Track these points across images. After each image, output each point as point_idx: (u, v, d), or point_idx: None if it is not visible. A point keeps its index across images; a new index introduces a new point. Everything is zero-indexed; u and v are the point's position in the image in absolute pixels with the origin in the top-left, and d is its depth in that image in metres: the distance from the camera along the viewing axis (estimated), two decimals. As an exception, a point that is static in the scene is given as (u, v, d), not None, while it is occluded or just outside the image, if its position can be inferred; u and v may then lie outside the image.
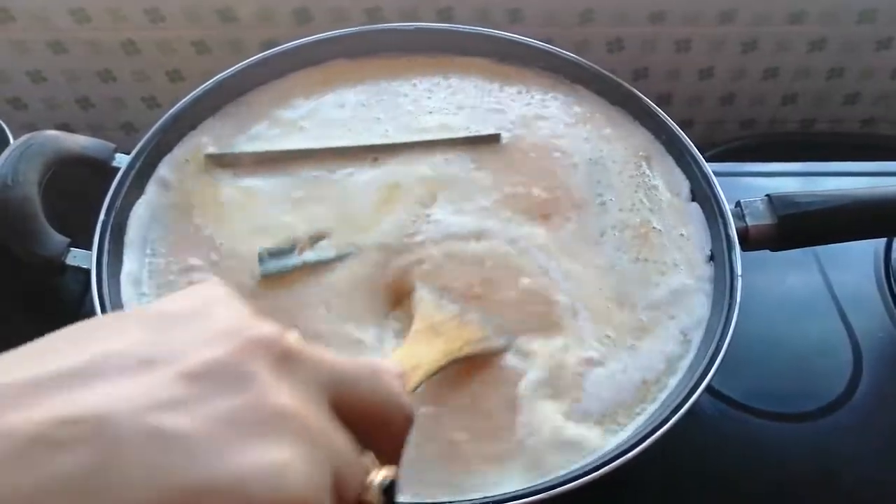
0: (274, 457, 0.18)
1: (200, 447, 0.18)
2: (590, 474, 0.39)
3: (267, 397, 0.19)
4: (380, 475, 0.22)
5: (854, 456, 0.53)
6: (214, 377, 0.19)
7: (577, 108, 0.57)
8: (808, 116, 0.83)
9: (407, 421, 0.24)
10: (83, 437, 0.17)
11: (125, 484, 0.17)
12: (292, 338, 0.21)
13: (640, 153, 0.55)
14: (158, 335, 0.20)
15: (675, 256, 0.50)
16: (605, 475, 0.40)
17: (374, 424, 0.23)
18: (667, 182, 0.54)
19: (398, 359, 0.38)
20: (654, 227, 0.51)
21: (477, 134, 0.54)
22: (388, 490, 0.22)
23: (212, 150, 0.53)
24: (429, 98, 0.57)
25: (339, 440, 0.21)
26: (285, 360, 0.21)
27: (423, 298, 0.45)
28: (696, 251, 0.51)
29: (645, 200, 0.52)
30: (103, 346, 0.19)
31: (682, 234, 0.52)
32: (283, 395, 0.20)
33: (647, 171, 0.54)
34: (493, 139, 0.54)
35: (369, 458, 0.23)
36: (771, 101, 0.81)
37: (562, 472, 0.40)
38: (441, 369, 0.39)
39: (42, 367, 0.18)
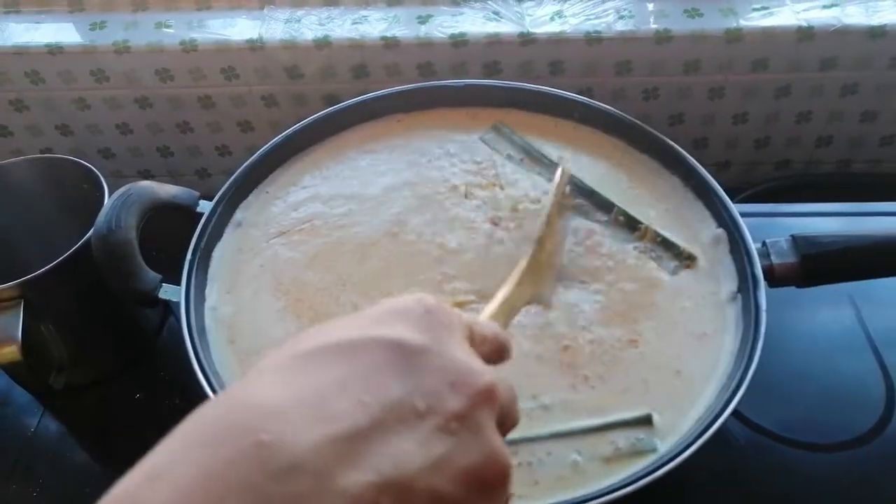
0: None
1: None
2: (611, 494, 0.42)
3: (493, 452, 0.25)
4: None
5: (884, 488, 0.54)
6: (460, 432, 0.24)
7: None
8: (843, 157, 0.85)
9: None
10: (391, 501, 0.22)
11: None
12: (500, 388, 0.27)
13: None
14: (414, 378, 0.25)
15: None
16: (629, 496, 0.43)
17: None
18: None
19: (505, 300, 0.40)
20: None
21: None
22: None
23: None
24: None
25: None
26: (497, 410, 0.26)
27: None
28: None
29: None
30: (384, 395, 0.24)
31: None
32: (497, 441, 0.26)
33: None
34: None
35: None
36: (806, 143, 0.83)
37: (584, 492, 0.44)
38: None
39: (341, 423, 0.23)
